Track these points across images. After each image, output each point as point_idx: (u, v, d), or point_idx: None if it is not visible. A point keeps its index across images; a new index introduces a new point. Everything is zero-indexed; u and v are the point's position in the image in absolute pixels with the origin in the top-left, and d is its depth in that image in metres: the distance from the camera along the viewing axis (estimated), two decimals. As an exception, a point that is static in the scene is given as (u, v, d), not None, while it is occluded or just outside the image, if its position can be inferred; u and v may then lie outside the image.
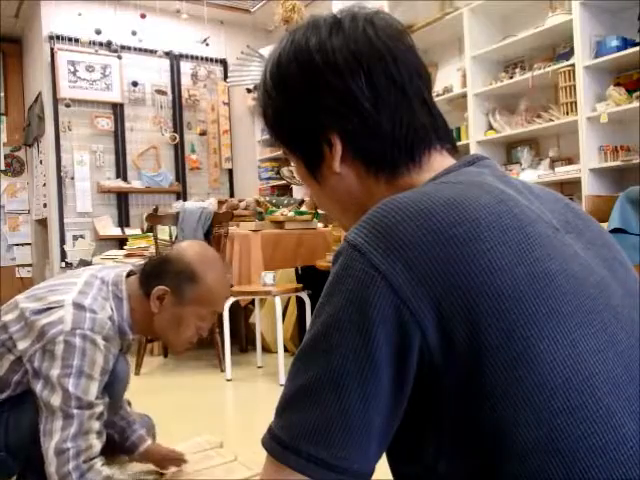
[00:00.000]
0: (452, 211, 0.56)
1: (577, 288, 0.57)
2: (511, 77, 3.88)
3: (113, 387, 1.51)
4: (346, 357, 0.54)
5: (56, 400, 1.35)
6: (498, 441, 0.53)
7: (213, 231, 3.66)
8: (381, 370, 0.54)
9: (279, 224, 3.77)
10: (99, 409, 1.39)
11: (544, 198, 0.69)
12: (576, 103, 3.41)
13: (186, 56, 5.98)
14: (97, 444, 1.39)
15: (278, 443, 0.57)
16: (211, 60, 6.10)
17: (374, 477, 0.58)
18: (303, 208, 4.01)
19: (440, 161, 0.70)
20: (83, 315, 1.42)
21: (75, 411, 1.35)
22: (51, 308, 1.42)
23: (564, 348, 0.53)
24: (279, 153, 6.15)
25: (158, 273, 1.56)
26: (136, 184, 5.62)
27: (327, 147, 0.68)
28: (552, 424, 0.52)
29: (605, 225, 1.62)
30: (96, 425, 1.39)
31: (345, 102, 0.66)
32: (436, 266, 0.54)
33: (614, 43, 3.27)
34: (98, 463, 1.39)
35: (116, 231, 5.42)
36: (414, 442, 0.59)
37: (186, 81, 6.00)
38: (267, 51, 5.41)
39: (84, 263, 4.25)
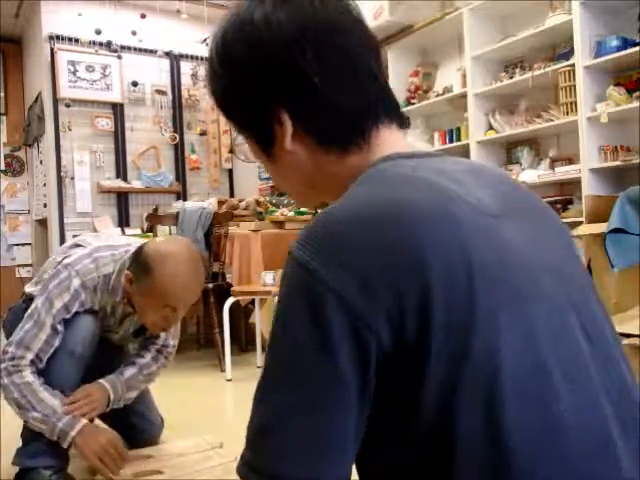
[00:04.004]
0: (391, 217, 0.55)
1: (511, 277, 0.56)
2: (511, 77, 3.88)
3: (71, 331, 1.67)
4: (311, 378, 0.54)
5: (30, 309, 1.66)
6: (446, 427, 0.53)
7: (213, 231, 3.66)
8: (349, 386, 0.53)
9: (279, 224, 3.77)
10: (45, 333, 1.62)
11: (488, 181, 0.66)
12: (576, 103, 3.41)
13: (186, 56, 5.98)
14: (29, 357, 1.61)
15: (255, 472, 0.56)
16: (211, 60, 6.10)
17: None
18: (303, 208, 4.01)
19: (388, 138, 0.68)
20: (85, 260, 1.68)
21: (28, 324, 1.63)
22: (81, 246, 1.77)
23: (502, 338, 0.54)
24: (279, 153, 6.15)
25: (132, 258, 1.69)
26: (136, 184, 5.62)
27: (277, 125, 0.66)
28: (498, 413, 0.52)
29: (605, 225, 1.62)
30: (37, 344, 1.61)
31: (292, 78, 0.63)
32: (383, 274, 0.53)
33: (614, 43, 3.27)
34: (27, 370, 1.61)
35: (116, 231, 5.42)
36: (376, 440, 0.58)
37: (186, 81, 6.00)
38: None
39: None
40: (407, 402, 0.54)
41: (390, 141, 0.68)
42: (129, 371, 1.88)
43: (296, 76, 0.63)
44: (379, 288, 0.52)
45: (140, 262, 1.63)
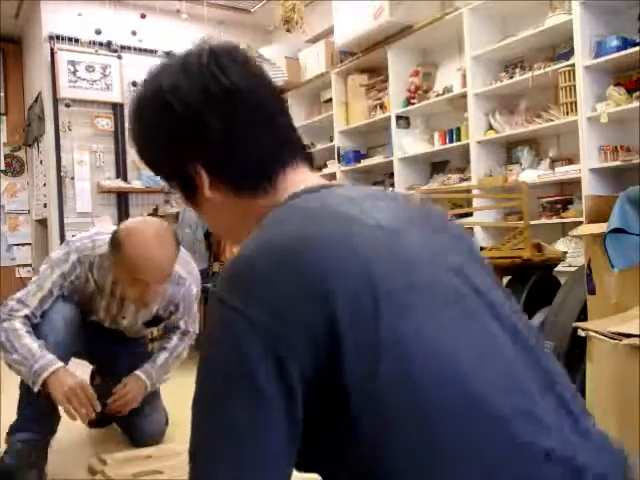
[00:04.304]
0: (296, 252, 0.61)
1: (415, 281, 0.63)
2: (511, 77, 3.87)
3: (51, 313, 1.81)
4: (234, 401, 0.58)
5: None
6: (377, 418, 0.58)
7: (213, 231, 3.65)
8: (272, 403, 0.57)
9: (279, 224, 3.77)
10: (42, 294, 1.79)
11: (389, 203, 0.73)
12: (576, 103, 3.41)
13: (186, 56, 5.98)
14: (24, 311, 1.77)
15: None
16: (211, 60, 6.10)
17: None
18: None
19: (295, 178, 0.76)
20: (85, 240, 1.86)
21: (31, 286, 1.82)
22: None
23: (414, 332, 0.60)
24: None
25: (110, 238, 1.78)
26: (136, 184, 5.61)
27: (196, 176, 0.74)
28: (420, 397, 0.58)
29: (605, 225, 1.62)
30: (33, 302, 1.78)
31: (200, 136, 0.72)
32: (292, 305, 0.58)
33: (614, 43, 3.27)
34: (17, 320, 1.75)
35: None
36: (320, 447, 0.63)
37: (186, 81, 6.00)
38: (267, 51, 5.41)
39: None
40: (336, 410, 0.59)
41: (297, 180, 0.75)
42: (162, 356, 2.05)
43: (204, 135, 0.72)
44: (290, 316, 0.58)
45: (113, 240, 1.74)
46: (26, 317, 1.79)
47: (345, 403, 0.58)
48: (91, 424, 2.27)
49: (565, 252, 2.88)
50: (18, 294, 1.83)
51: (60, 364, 1.74)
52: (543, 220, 3.71)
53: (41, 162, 5.64)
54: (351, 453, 0.60)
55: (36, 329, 1.80)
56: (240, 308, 0.59)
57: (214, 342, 0.63)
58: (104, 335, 2.07)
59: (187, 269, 2.03)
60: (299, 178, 0.76)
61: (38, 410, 1.80)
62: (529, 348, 0.67)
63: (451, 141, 4.33)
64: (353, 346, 0.57)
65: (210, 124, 0.71)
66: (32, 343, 1.75)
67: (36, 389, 1.71)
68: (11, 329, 1.76)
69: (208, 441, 0.60)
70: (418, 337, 0.59)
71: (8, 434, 1.84)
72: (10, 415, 1.82)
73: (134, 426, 2.02)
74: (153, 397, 2.08)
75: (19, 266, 6.16)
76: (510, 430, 0.59)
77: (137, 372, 1.99)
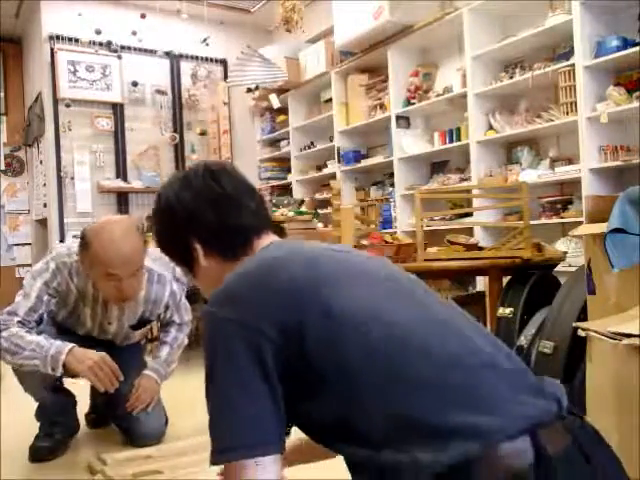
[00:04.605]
0: (268, 272, 0.89)
1: (354, 277, 0.91)
2: (511, 77, 3.88)
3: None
4: (229, 380, 0.83)
5: None
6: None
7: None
8: (256, 379, 0.82)
9: (279, 224, 3.77)
10: (30, 302, 1.85)
11: (332, 244, 1.05)
12: (576, 103, 3.41)
13: (186, 56, 5.98)
14: (16, 319, 1.82)
15: (218, 453, 0.83)
16: (211, 60, 6.11)
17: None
18: (303, 208, 4.01)
19: (266, 240, 1.06)
20: (62, 249, 1.96)
21: (18, 297, 1.88)
22: None
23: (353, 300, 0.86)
24: (279, 153, 6.17)
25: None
26: (136, 184, 5.62)
27: (194, 251, 1.04)
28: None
29: (605, 225, 1.62)
30: (22, 310, 1.84)
31: (197, 224, 1.04)
32: (266, 306, 0.84)
33: (614, 43, 3.27)
34: (14, 326, 1.81)
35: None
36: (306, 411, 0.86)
37: (186, 81, 6.00)
38: (267, 51, 5.41)
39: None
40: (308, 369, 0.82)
41: (267, 242, 1.05)
42: (164, 350, 2.13)
43: (201, 223, 1.04)
44: (266, 316, 0.83)
45: (82, 240, 1.80)
46: (20, 323, 1.84)
47: (312, 362, 0.81)
48: (91, 424, 2.28)
49: (565, 252, 2.88)
50: (6, 309, 1.88)
51: (72, 344, 1.81)
52: (543, 220, 3.71)
53: (41, 162, 5.64)
54: (325, 397, 0.81)
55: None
56: (228, 316, 0.84)
57: (213, 344, 0.85)
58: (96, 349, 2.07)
59: (167, 267, 2.10)
60: (268, 240, 1.06)
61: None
62: (453, 312, 0.92)
63: (451, 141, 4.33)
64: (311, 323, 0.82)
65: (206, 216, 1.03)
66: (36, 337, 1.81)
67: (59, 372, 1.78)
68: (11, 334, 1.80)
69: (216, 405, 0.85)
70: (352, 302, 0.85)
71: None
72: (10, 415, 1.82)
73: (134, 427, 2.02)
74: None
75: (19, 266, 6.16)
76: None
77: (146, 372, 2.07)
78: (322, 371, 0.81)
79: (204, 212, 1.03)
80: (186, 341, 2.24)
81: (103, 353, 1.86)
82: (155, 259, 2.04)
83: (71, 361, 1.78)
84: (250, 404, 0.81)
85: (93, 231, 1.80)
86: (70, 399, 2.07)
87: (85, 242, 1.78)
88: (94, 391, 2.20)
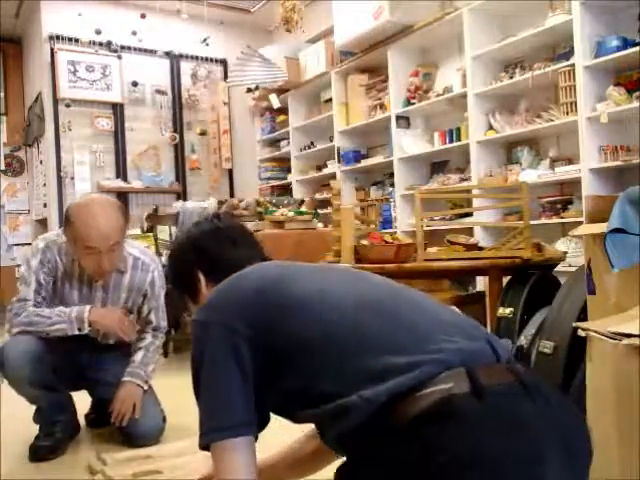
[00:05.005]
0: (235, 283, 1.07)
1: (308, 281, 1.04)
2: (511, 77, 3.88)
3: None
4: (213, 373, 0.97)
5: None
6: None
7: (213, 231, 3.65)
8: (234, 373, 0.96)
9: (279, 224, 3.77)
10: (34, 285, 1.98)
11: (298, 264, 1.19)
12: (576, 103, 3.41)
13: (186, 56, 5.99)
14: (29, 303, 1.95)
15: (203, 435, 0.98)
16: (211, 60, 6.11)
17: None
18: (303, 208, 4.01)
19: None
20: (51, 233, 2.11)
21: (20, 285, 2.01)
22: None
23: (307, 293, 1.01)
24: (279, 153, 6.17)
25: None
26: (136, 184, 5.62)
27: (198, 281, 1.23)
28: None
29: (605, 225, 1.61)
30: (31, 294, 1.97)
31: (203, 257, 1.24)
32: (233, 305, 1.01)
33: (614, 43, 3.27)
34: (30, 308, 1.94)
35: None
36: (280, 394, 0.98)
37: (186, 81, 6.00)
38: (267, 51, 5.41)
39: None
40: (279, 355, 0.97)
41: None
42: (139, 355, 2.14)
43: (206, 257, 1.24)
44: (236, 313, 0.99)
45: (65, 217, 1.92)
46: (33, 306, 1.97)
47: (278, 344, 0.95)
48: (91, 424, 2.28)
49: (565, 252, 2.88)
50: (14, 298, 1.99)
51: (90, 305, 2.00)
52: (543, 220, 3.71)
53: (41, 162, 5.65)
54: (293, 369, 0.94)
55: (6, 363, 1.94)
56: (207, 320, 1.01)
57: (196, 343, 1.02)
58: (84, 353, 2.12)
59: (153, 261, 2.19)
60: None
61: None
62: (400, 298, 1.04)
63: (451, 141, 4.34)
64: (272, 314, 0.97)
65: (208, 250, 1.24)
66: (54, 309, 1.96)
67: (85, 329, 1.95)
68: (31, 313, 1.95)
69: (201, 392, 1.00)
70: (303, 290, 1.00)
71: None
72: (10, 414, 1.82)
73: (131, 428, 2.01)
74: (146, 397, 2.09)
75: (19, 266, 6.15)
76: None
77: (124, 379, 2.06)
78: (287, 349, 0.94)
79: (207, 245, 1.24)
80: (160, 348, 2.25)
81: (118, 309, 2.06)
82: (142, 252, 2.17)
83: (95, 318, 1.96)
84: (225, 391, 0.95)
85: (75, 208, 1.93)
86: (67, 398, 2.07)
87: (68, 218, 1.90)
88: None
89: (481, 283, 3.60)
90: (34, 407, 2.04)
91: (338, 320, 0.94)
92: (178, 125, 5.93)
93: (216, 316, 1.00)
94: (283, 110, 5.95)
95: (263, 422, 1.00)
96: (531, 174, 3.70)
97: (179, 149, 5.94)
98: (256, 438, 0.98)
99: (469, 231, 3.91)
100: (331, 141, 5.36)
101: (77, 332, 1.95)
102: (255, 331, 0.96)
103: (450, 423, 0.80)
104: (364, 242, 2.82)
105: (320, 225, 3.99)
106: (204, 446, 0.99)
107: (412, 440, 0.81)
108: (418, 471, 0.79)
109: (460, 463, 0.77)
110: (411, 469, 0.80)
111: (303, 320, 0.96)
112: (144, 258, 2.14)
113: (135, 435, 2.02)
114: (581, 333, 1.36)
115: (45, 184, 5.54)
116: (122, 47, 5.55)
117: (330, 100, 5.33)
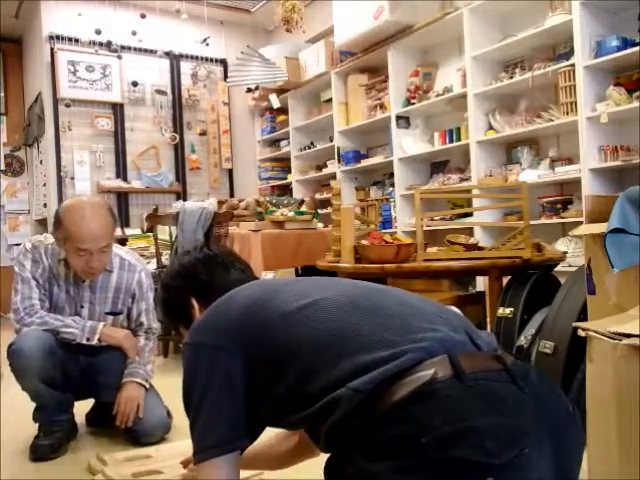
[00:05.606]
0: (223, 305, 1.11)
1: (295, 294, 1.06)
2: (511, 77, 3.88)
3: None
4: (204, 392, 1.01)
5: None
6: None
7: (213, 231, 3.65)
8: (222, 389, 1.00)
9: (279, 224, 3.77)
10: (33, 284, 2.01)
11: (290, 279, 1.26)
12: (576, 103, 3.41)
13: (186, 56, 5.99)
14: (35, 301, 2.00)
15: (197, 454, 1.01)
16: (211, 60, 6.11)
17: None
18: (303, 208, 4.01)
19: None
20: (40, 236, 2.12)
21: (18, 286, 2.02)
22: None
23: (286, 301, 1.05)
24: (279, 153, 6.17)
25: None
26: (136, 184, 5.62)
27: (191, 307, 1.27)
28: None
29: (605, 225, 1.62)
30: (33, 293, 2.01)
31: (197, 283, 1.28)
32: (223, 326, 1.05)
33: (614, 43, 3.27)
34: (40, 311, 1.99)
35: (116, 231, 5.42)
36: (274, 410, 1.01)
37: (186, 81, 6.00)
38: (267, 51, 5.41)
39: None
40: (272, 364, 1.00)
41: None
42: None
43: (197, 282, 1.28)
44: (229, 334, 1.03)
45: (55, 218, 1.94)
46: (40, 304, 2.02)
47: (271, 356, 0.98)
48: (91, 424, 2.28)
49: (565, 252, 2.88)
50: (16, 297, 2.02)
51: (103, 322, 2.08)
52: (543, 220, 3.71)
53: (41, 162, 5.65)
54: (286, 375, 0.96)
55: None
56: (197, 341, 1.06)
57: (186, 365, 1.06)
58: (84, 353, 2.12)
59: (137, 259, 2.23)
60: None
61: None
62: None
63: (451, 141, 4.34)
64: (262, 327, 1.01)
65: (200, 276, 1.28)
66: (64, 319, 2.03)
67: (94, 341, 2.02)
68: (45, 316, 2.00)
69: (189, 412, 1.04)
70: (287, 300, 1.03)
71: None
72: (10, 415, 1.82)
73: (137, 425, 2.01)
74: (149, 394, 2.09)
75: (19, 266, 6.15)
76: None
77: (125, 379, 2.07)
78: (278, 357, 0.98)
79: (199, 272, 1.29)
80: (155, 349, 2.28)
81: (126, 330, 2.14)
82: (128, 252, 2.23)
83: (108, 332, 2.05)
84: (211, 410, 1.00)
85: (66, 209, 1.94)
86: (67, 397, 2.07)
87: (58, 219, 1.92)
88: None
89: (481, 283, 3.60)
90: (34, 407, 2.04)
91: (328, 323, 0.97)
92: (178, 125, 5.93)
93: (204, 337, 1.05)
94: (283, 110, 5.95)
95: (255, 433, 1.06)
96: (531, 174, 3.70)
97: (179, 149, 5.94)
98: (243, 449, 1.04)
99: (469, 231, 3.91)
100: (331, 141, 5.36)
101: (85, 342, 2.01)
102: (243, 346, 1.00)
103: (432, 403, 0.83)
104: (364, 242, 2.82)
105: (320, 225, 3.99)
106: (194, 464, 1.04)
107: (396, 421, 0.84)
108: (403, 450, 0.81)
109: (443, 440, 0.79)
110: (396, 449, 0.82)
111: (291, 329, 0.99)
112: (130, 259, 2.17)
113: (142, 433, 2.02)
114: (581, 333, 1.36)
115: (45, 184, 5.54)
116: (122, 47, 5.55)
117: (330, 100, 5.34)
